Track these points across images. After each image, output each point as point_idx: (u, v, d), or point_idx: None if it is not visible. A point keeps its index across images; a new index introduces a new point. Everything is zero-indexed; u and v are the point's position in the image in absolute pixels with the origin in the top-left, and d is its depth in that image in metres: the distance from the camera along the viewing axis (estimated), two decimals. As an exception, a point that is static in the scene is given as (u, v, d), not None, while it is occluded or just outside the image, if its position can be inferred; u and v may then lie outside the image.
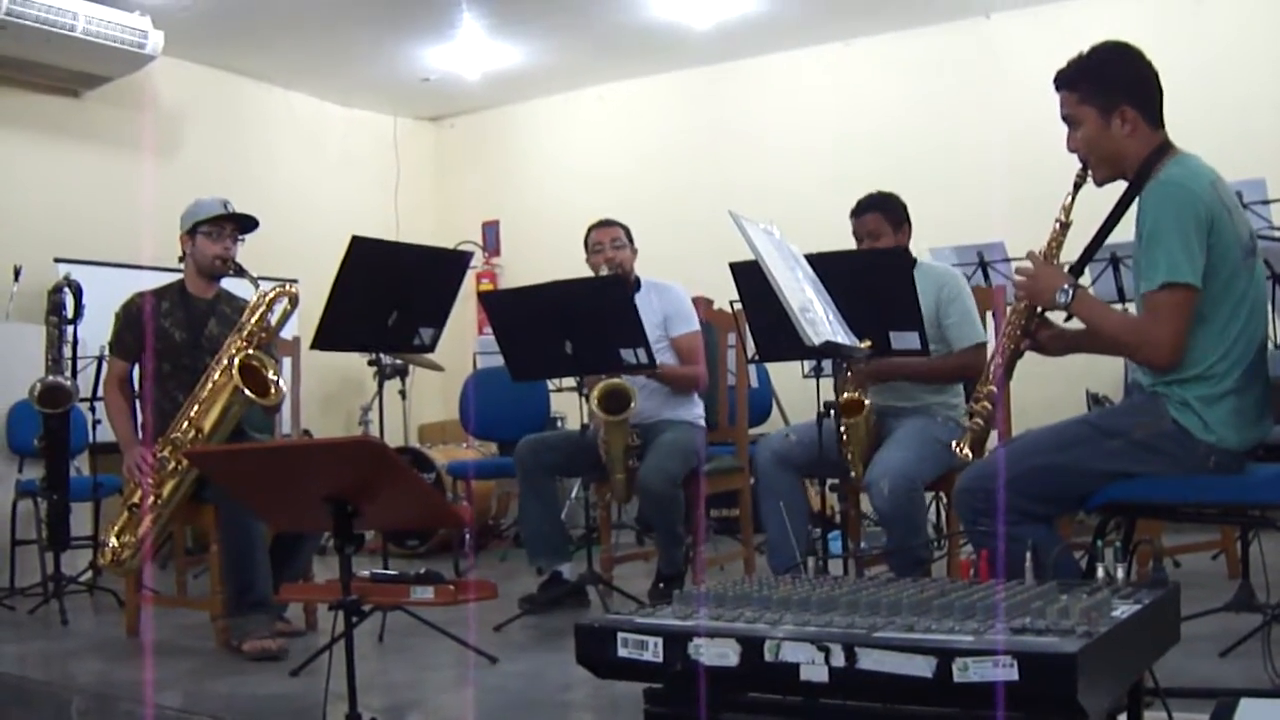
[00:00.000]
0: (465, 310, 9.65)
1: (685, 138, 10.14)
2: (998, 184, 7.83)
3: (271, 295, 5.13)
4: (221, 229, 5.25)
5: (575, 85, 10.53)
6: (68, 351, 6.14)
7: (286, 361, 5.83)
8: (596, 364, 5.22)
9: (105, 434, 5.82)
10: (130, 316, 5.26)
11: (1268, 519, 3.45)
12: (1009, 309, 3.63)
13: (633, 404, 5.20)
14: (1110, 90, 3.34)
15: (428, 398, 10.25)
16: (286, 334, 5.50)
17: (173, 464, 4.92)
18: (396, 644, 4.87)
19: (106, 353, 5.53)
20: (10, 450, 7.01)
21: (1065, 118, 3.43)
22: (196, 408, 4.97)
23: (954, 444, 3.68)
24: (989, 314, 5.14)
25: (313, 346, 4.99)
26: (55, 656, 5.19)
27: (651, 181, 9.94)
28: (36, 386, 5.98)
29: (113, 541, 4.99)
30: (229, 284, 5.41)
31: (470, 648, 4.55)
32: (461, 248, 6.80)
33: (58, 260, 7.85)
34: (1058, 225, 3.49)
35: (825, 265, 4.19)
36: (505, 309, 5.40)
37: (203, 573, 6.29)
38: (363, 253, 4.85)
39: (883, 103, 9.33)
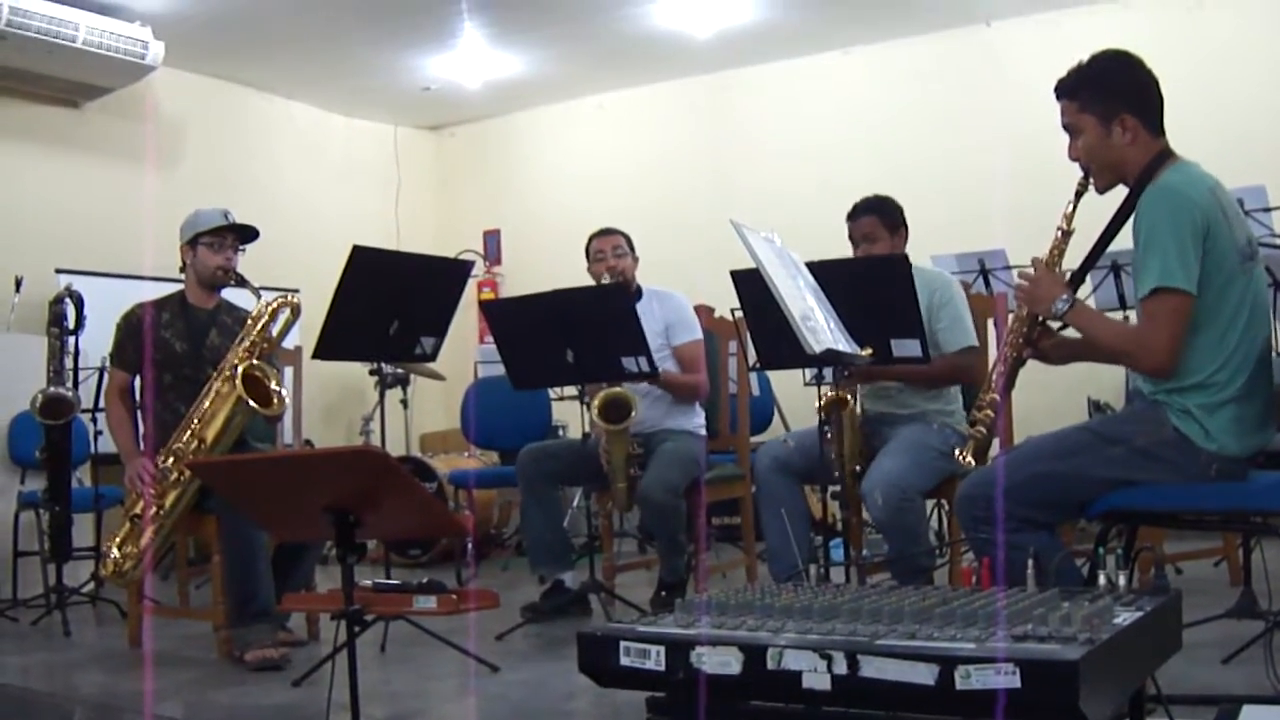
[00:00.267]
0: (466, 319, 9.67)
1: (686, 146, 10.15)
2: (999, 192, 7.83)
3: (274, 305, 5.13)
4: (223, 239, 5.25)
5: (576, 94, 10.54)
6: (69, 362, 6.14)
7: (288, 371, 5.84)
8: (598, 372, 5.22)
9: (107, 445, 5.81)
10: (131, 327, 5.26)
11: (1269, 526, 3.44)
12: (1011, 317, 3.63)
13: (634, 413, 5.20)
14: (1110, 98, 3.35)
15: (429, 407, 10.25)
16: (288, 343, 5.50)
17: (175, 474, 4.91)
18: (399, 653, 4.87)
19: (108, 364, 5.53)
20: (12, 461, 7.00)
21: (1066, 126, 3.44)
22: (199, 418, 4.97)
23: (957, 451, 3.67)
24: (990, 322, 5.14)
25: (314, 356, 5.00)
26: (58, 668, 5.18)
27: (652, 190, 9.94)
28: (38, 398, 5.98)
29: (114, 552, 4.98)
30: (230, 294, 5.41)
31: (472, 657, 4.55)
32: (462, 257, 6.80)
33: (59, 271, 7.85)
34: (1059, 233, 3.49)
35: (826, 273, 4.20)
36: (506, 318, 5.40)
37: (205, 583, 6.29)
38: (364, 262, 4.85)
39: (883, 111, 9.34)
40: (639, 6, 8.51)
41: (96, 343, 6.16)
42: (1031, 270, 3.46)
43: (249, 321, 5.13)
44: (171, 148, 9.20)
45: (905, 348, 4.33)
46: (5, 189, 8.22)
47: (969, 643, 2.14)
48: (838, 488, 4.48)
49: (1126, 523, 3.47)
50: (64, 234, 8.35)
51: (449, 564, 7.60)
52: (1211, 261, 3.18)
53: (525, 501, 5.61)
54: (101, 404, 6.08)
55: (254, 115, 9.99)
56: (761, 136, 9.82)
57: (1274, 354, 3.44)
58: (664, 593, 5.42)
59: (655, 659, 2.34)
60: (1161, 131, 3.39)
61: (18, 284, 7.54)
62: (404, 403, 9.17)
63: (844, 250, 5.05)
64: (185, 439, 4.95)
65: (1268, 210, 5.87)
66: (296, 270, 8.13)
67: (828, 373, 4.22)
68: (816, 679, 2.17)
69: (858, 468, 4.57)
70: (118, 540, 5.00)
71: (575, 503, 8.10)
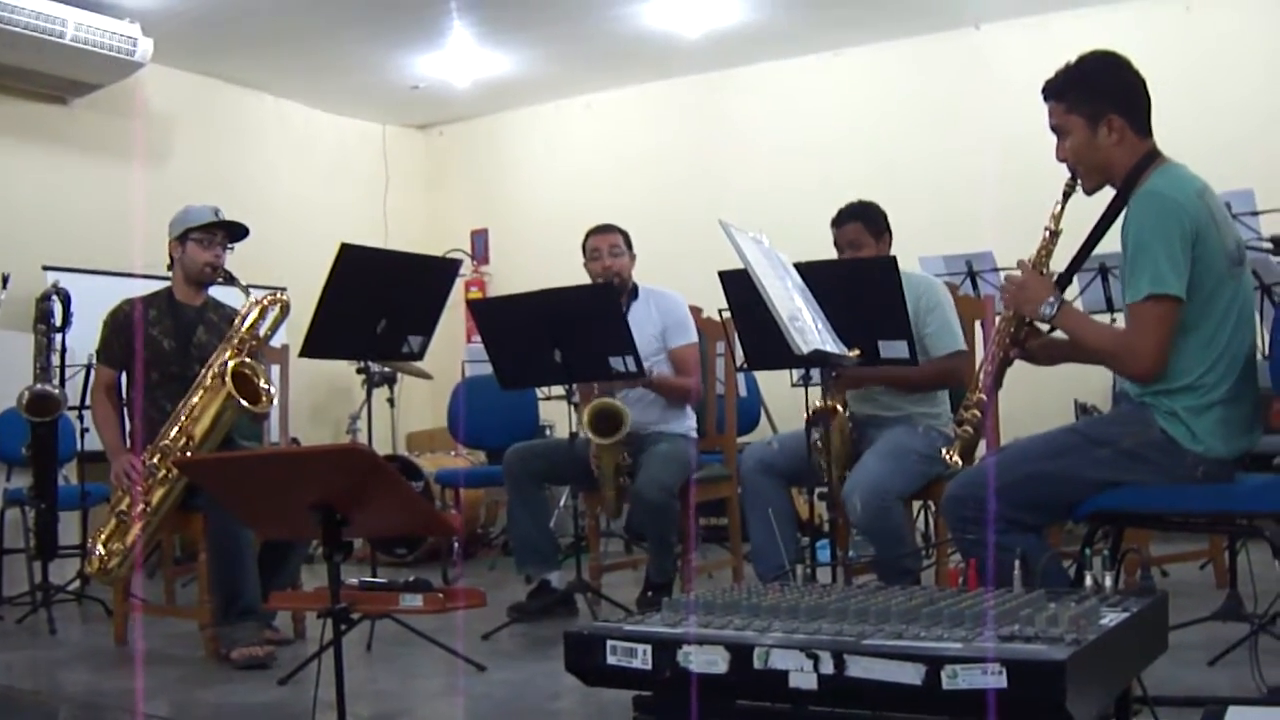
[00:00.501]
0: (454, 318, 9.63)
1: (674, 147, 10.15)
2: (987, 194, 7.85)
3: (264, 303, 5.12)
4: (212, 236, 5.24)
5: (565, 94, 10.54)
6: (56, 360, 6.12)
7: (275, 369, 5.83)
8: (586, 372, 5.22)
9: (93, 442, 5.80)
10: (118, 324, 5.24)
11: (1255, 528, 3.44)
12: (998, 318, 3.63)
13: (624, 427, 5.19)
14: (1097, 99, 3.35)
15: (416, 406, 10.24)
16: (275, 342, 5.49)
17: (162, 472, 4.90)
18: (385, 652, 4.86)
19: (94, 361, 5.52)
20: (-2, 459, 6.99)
21: (1054, 127, 3.44)
22: (187, 415, 4.96)
23: (944, 451, 3.67)
24: (978, 324, 5.14)
25: (301, 354, 4.99)
26: (43, 666, 5.16)
27: (640, 190, 9.92)
28: (24, 395, 5.96)
29: (99, 549, 4.96)
30: (217, 291, 5.40)
31: (459, 656, 4.54)
32: (450, 256, 6.79)
33: (46, 268, 7.82)
34: (1047, 234, 3.49)
35: (814, 274, 4.20)
36: (494, 317, 5.40)
37: (191, 581, 6.28)
38: (352, 260, 4.84)
39: (872, 113, 9.35)
40: (628, 6, 8.51)
41: (83, 340, 6.14)
42: (1018, 273, 3.47)
43: (238, 319, 5.13)
44: (160, 145, 9.18)
45: (892, 349, 4.33)
46: (-7, 185, 8.20)
47: (955, 643, 2.15)
48: (824, 489, 4.48)
49: (1113, 524, 3.48)
50: (51, 231, 8.33)
51: (435, 563, 7.59)
52: (1201, 266, 3.19)
53: (512, 501, 5.61)
54: (88, 401, 6.06)
55: (243, 113, 9.97)
56: (750, 138, 9.82)
57: (1259, 357, 3.45)
58: (650, 593, 5.42)
59: (642, 658, 2.34)
60: (1149, 133, 3.39)
61: (4, 281, 7.49)
62: (391, 401, 9.16)
63: (832, 251, 5.05)
64: (173, 436, 4.93)
65: (1255, 214, 5.88)
66: (284, 268, 8.11)
67: (815, 374, 4.22)
68: (803, 678, 2.18)
69: (847, 473, 4.58)
70: (103, 537, 4.97)
71: (562, 502, 8.10)
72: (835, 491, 4.54)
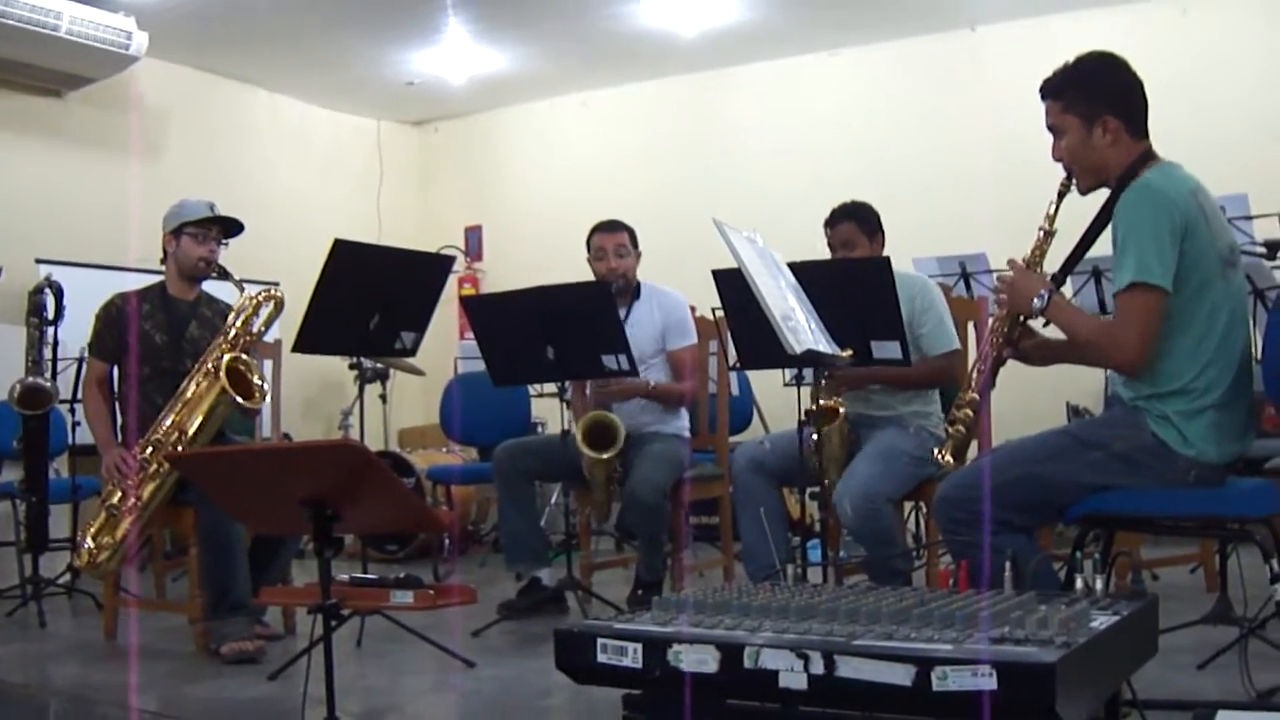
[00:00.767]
0: (447, 314, 9.60)
1: (669, 145, 10.14)
2: (982, 195, 7.86)
3: (258, 299, 5.11)
4: (207, 231, 5.23)
5: (560, 91, 10.52)
6: (48, 353, 6.11)
7: (267, 364, 5.82)
8: (578, 369, 5.22)
9: (85, 436, 5.79)
10: (110, 317, 5.23)
11: (1246, 532, 3.45)
12: (991, 318, 3.64)
13: (618, 442, 5.19)
14: (1094, 100, 3.36)
15: (408, 402, 10.23)
16: (268, 337, 5.48)
17: (154, 466, 4.89)
18: (375, 648, 4.85)
19: (86, 354, 5.51)
20: (-12, 452, 6.98)
21: (1050, 127, 3.45)
22: (179, 410, 4.95)
23: (936, 451, 3.67)
24: (970, 325, 5.15)
25: (294, 349, 4.99)
26: (33, 659, 5.16)
27: (634, 189, 9.89)
28: (16, 388, 5.95)
29: (89, 543, 4.94)
30: (210, 286, 5.39)
31: (449, 653, 4.54)
32: (444, 252, 6.79)
33: (39, 261, 7.81)
34: (1041, 233, 3.50)
35: (808, 274, 4.19)
36: (487, 313, 5.39)
37: (181, 576, 6.27)
38: (345, 256, 4.84)
39: (867, 113, 9.34)
40: (625, 5, 8.50)
41: (75, 333, 6.13)
42: (1010, 272, 3.47)
43: (231, 314, 5.12)
44: (154, 139, 9.16)
45: (885, 349, 4.33)
46: (-14, 177, 8.19)
47: (946, 644, 2.15)
48: (816, 489, 4.48)
49: (1104, 527, 3.48)
50: (45, 224, 8.31)
51: (426, 559, 7.59)
52: (1189, 261, 3.19)
53: (502, 498, 5.61)
54: (79, 395, 6.06)
55: (237, 108, 9.95)
56: (745, 137, 9.82)
57: (1254, 361, 3.45)
58: (641, 591, 5.41)
59: (632, 656, 2.34)
60: (1145, 134, 3.40)
61: (-3, 273, 7.51)
62: (383, 398, 9.13)
63: (826, 250, 5.06)
64: (165, 430, 4.93)
65: (1249, 218, 5.88)
66: (277, 263, 8.10)
67: (808, 373, 4.21)
68: (793, 678, 2.18)
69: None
70: (93, 531, 4.96)
71: (554, 500, 8.09)
72: (829, 492, 4.54)
